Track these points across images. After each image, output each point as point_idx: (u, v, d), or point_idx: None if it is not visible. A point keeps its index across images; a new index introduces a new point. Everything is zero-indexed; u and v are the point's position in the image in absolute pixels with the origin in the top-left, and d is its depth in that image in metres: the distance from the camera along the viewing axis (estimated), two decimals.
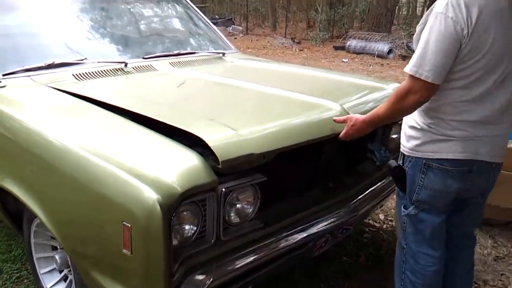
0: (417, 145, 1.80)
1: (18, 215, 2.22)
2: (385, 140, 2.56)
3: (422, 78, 1.63)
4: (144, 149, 1.66)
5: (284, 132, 1.89)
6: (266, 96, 2.30)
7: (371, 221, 3.19)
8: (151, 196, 1.40)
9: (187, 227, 1.58)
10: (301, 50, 13.34)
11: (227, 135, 1.72)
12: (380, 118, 1.82)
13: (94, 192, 1.57)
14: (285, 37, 15.44)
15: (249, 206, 1.77)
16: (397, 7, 16.49)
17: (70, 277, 2.09)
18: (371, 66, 10.59)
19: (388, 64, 10.95)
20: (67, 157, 1.71)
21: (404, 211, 1.92)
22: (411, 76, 1.66)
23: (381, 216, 3.28)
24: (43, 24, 2.86)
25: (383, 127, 2.54)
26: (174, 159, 1.57)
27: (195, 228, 1.60)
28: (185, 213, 1.56)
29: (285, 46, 13.88)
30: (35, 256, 2.26)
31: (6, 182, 2.01)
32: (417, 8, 21.50)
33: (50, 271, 2.25)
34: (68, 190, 1.71)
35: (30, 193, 1.88)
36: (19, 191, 1.93)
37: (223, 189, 1.62)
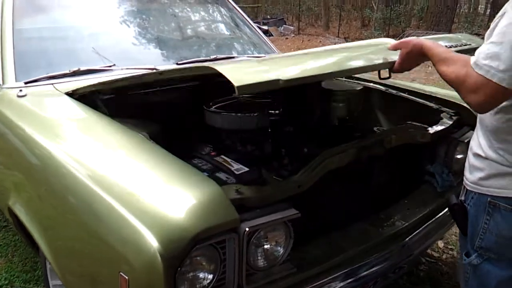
0: (481, 178, 1.43)
1: None
2: (448, 161, 2.19)
3: (495, 80, 1.25)
4: (153, 177, 1.40)
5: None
6: None
7: (428, 250, 2.79)
8: (152, 243, 1.13)
9: (201, 275, 1.30)
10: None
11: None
12: (433, 60, 1.42)
13: (92, 230, 1.33)
14: (338, 36, 14.94)
15: (279, 247, 1.47)
16: (458, 4, 15.55)
17: None
18: (430, 68, 9.93)
19: None
20: (70, 183, 1.48)
21: (465, 259, 1.54)
22: (480, 75, 1.27)
23: (440, 244, 2.88)
24: (70, 27, 2.69)
25: (446, 145, 2.17)
26: (185, 191, 1.30)
27: (211, 276, 1.31)
28: (198, 258, 1.28)
29: None
30: (51, 283, 2.06)
31: (15, 206, 1.82)
32: (479, 6, 20.29)
33: None
34: (68, 222, 1.48)
35: (33, 218, 1.68)
36: (25, 216, 1.73)
37: (247, 229, 1.32)
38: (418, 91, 2.50)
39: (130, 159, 1.53)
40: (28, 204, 1.77)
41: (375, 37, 13.73)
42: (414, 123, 2.22)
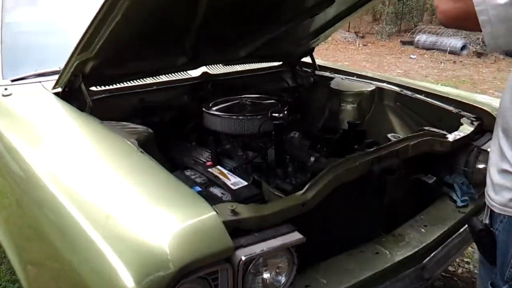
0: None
1: None
2: (469, 171, 1.99)
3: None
4: (135, 195, 1.23)
5: None
6: None
7: None
8: (126, 281, 0.96)
9: None
10: (365, 45, 12.57)
11: None
12: None
13: (62, 256, 1.16)
14: (348, 31, 14.64)
15: (280, 276, 1.29)
16: None
17: None
18: (443, 64, 9.70)
19: (461, 61, 10.00)
20: (43, 198, 1.31)
21: None
22: None
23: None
24: (63, 21, 2.52)
25: (467, 154, 1.97)
26: (171, 213, 1.12)
27: None
28: None
29: (348, 41, 13.12)
30: None
31: None
32: None
33: None
34: (41, 243, 1.31)
35: (5, 231, 1.52)
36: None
37: (243, 257, 1.14)
38: (436, 92, 2.30)
39: (112, 173, 1.35)
40: (1, 214, 1.60)
41: (386, 32, 13.46)
42: (432, 129, 2.02)
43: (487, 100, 2.25)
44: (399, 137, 1.88)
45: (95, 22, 1.58)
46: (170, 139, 2.29)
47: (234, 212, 1.21)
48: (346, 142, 2.07)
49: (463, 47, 10.78)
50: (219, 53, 2.29)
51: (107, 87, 2.20)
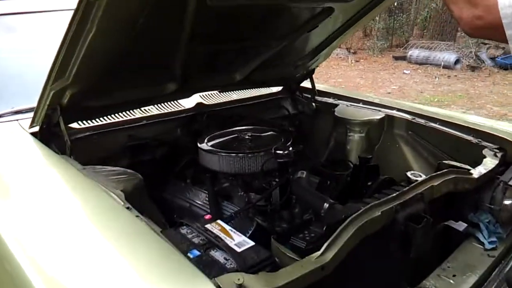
0: None
1: None
2: (495, 208, 1.78)
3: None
4: (114, 271, 1.01)
5: None
6: None
7: None
8: None
9: None
10: (357, 61, 12.48)
11: None
12: None
13: None
14: (339, 47, 14.55)
15: None
16: None
17: None
18: (437, 79, 9.61)
19: (455, 76, 9.91)
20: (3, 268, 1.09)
21: None
22: None
23: None
24: (44, 48, 2.30)
25: (492, 189, 1.77)
26: None
27: None
28: None
29: (340, 57, 13.02)
30: None
31: None
32: None
33: None
34: None
35: None
36: None
37: None
38: (452, 120, 2.11)
39: (91, 239, 1.13)
40: None
41: (378, 47, 13.41)
42: (452, 163, 1.82)
43: (507, 128, 2.06)
44: (419, 175, 1.68)
45: (68, 40, 1.37)
46: (162, 178, 2.08)
47: (241, 286, 0.99)
48: (358, 180, 1.87)
49: (457, 61, 10.71)
50: (212, 77, 2.09)
51: (90, 123, 1.99)
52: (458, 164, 1.80)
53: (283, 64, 2.37)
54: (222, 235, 1.25)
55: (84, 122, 1.99)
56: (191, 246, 1.20)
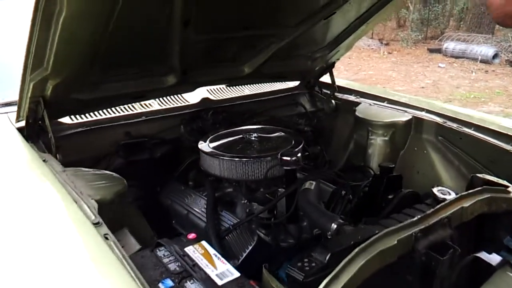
0: None
1: None
2: None
3: None
4: None
5: None
6: None
7: None
8: None
9: None
10: (389, 52, 12.03)
11: None
12: None
13: None
14: (371, 38, 14.10)
15: None
16: None
17: None
18: (474, 73, 9.12)
19: (493, 71, 9.39)
20: None
21: None
22: None
23: None
24: None
25: None
26: None
27: None
28: None
29: (372, 48, 12.60)
30: None
31: None
32: None
33: None
34: None
35: None
36: None
37: None
38: (489, 126, 1.84)
39: (39, 259, 0.95)
40: None
41: (412, 39, 12.91)
42: (488, 177, 1.57)
43: None
44: (448, 192, 1.44)
45: (37, 23, 1.19)
46: (162, 180, 1.90)
47: None
48: (377, 192, 1.64)
49: (495, 56, 10.16)
50: (216, 70, 1.89)
51: (84, 118, 1.83)
52: (495, 179, 1.54)
53: (299, 56, 2.14)
54: (203, 262, 1.05)
55: (77, 117, 1.83)
56: (164, 274, 1.01)
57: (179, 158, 1.94)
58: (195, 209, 1.69)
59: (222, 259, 1.06)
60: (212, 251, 1.09)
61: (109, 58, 1.50)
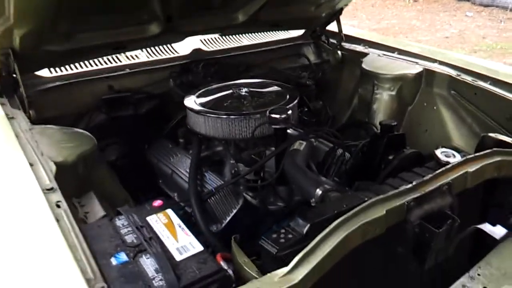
0: None
1: None
2: None
3: None
4: None
5: None
6: None
7: None
8: None
9: None
10: (415, 0, 11.43)
11: None
12: None
13: None
14: None
15: None
16: None
17: None
18: (502, 23, 8.60)
19: None
20: None
21: None
22: None
23: None
24: None
25: None
26: None
27: None
28: None
29: None
30: None
31: None
32: None
33: None
34: None
35: None
36: None
37: None
38: (508, 80, 1.64)
39: None
40: None
41: None
42: (501, 137, 1.40)
43: None
44: (452, 154, 1.28)
45: None
46: (149, 137, 1.79)
47: None
48: (376, 153, 1.49)
49: None
50: (206, 17, 1.72)
51: (64, 71, 1.71)
52: (509, 139, 1.38)
53: (301, 1, 1.94)
54: (165, 233, 0.94)
55: (57, 70, 1.71)
56: (119, 247, 0.91)
57: (168, 114, 1.82)
58: (180, 169, 1.58)
59: (186, 230, 0.95)
60: (176, 221, 0.98)
61: (78, 5, 1.35)
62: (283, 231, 1.01)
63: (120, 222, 0.98)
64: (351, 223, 0.94)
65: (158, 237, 0.93)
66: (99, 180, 1.28)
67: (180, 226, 0.97)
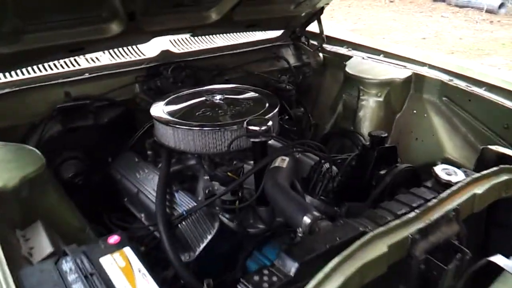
0: None
1: None
2: None
3: None
4: None
5: None
6: None
7: None
8: None
9: None
10: (391, 1, 11.46)
11: None
12: None
13: None
14: None
15: None
16: None
17: None
18: (478, 24, 8.67)
19: (499, 21, 8.97)
20: None
21: None
22: None
23: None
24: None
25: None
26: None
27: None
28: None
29: None
30: None
31: None
32: None
33: None
34: None
35: None
36: None
37: None
38: (504, 85, 1.52)
39: None
40: None
41: None
42: (502, 150, 1.26)
43: None
44: (454, 172, 1.13)
45: None
46: (113, 150, 1.60)
47: None
48: (366, 167, 1.34)
49: (501, 5, 9.72)
50: (174, 16, 1.54)
51: (14, 77, 1.51)
52: (507, 151, 1.24)
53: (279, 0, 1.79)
54: (120, 281, 0.76)
55: (7, 75, 1.51)
56: None
57: (134, 124, 1.63)
58: (147, 188, 1.39)
59: (148, 276, 0.77)
60: (136, 264, 0.80)
61: (27, 1, 1.16)
62: (266, 272, 0.84)
63: (67, 265, 0.80)
64: (348, 266, 0.79)
65: (113, 286, 0.75)
66: (48, 207, 1.08)
67: (140, 271, 0.79)
